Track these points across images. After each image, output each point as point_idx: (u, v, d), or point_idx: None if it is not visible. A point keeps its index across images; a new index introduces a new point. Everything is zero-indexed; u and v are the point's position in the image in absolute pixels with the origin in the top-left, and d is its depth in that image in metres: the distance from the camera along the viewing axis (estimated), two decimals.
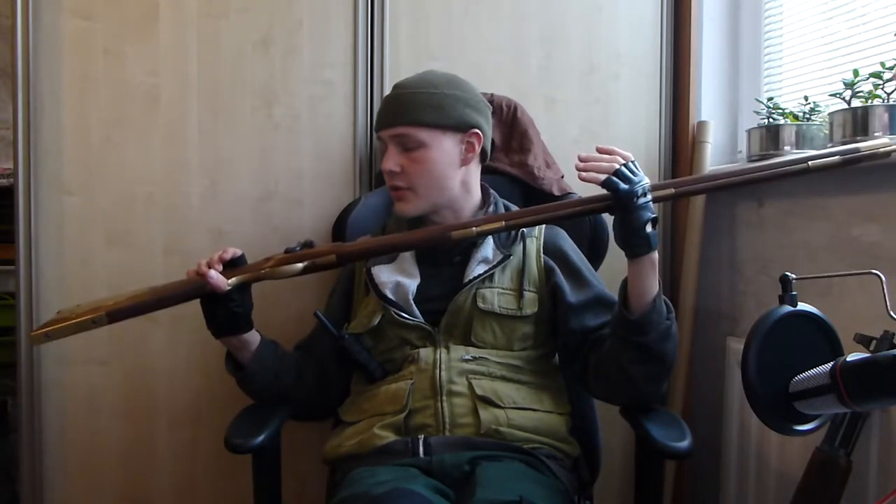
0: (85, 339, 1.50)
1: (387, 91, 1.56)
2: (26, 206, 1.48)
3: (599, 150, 1.10)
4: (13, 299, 1.51)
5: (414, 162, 1.21)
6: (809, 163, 1.11)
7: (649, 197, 1.07)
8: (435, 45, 1.61)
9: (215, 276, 1.11)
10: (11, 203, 1.48)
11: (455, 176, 1.24)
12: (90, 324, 1.08)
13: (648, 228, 1.06)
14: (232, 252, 1.15)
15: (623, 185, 1.05)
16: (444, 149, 1.22)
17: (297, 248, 1.15)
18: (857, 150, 1.11)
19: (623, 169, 1.07)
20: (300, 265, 1.13)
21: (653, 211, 1.07)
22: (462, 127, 1.23)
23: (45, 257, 1.50)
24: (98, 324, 1.09)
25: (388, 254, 1.24)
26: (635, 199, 1.05)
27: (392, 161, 1.22)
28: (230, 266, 1.15)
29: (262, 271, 1.14)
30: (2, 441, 2.14)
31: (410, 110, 1.21)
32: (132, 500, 1.55)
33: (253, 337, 1.21)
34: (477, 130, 1.24)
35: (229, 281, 1.12)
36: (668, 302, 1.14)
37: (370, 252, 1.19)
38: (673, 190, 1.13)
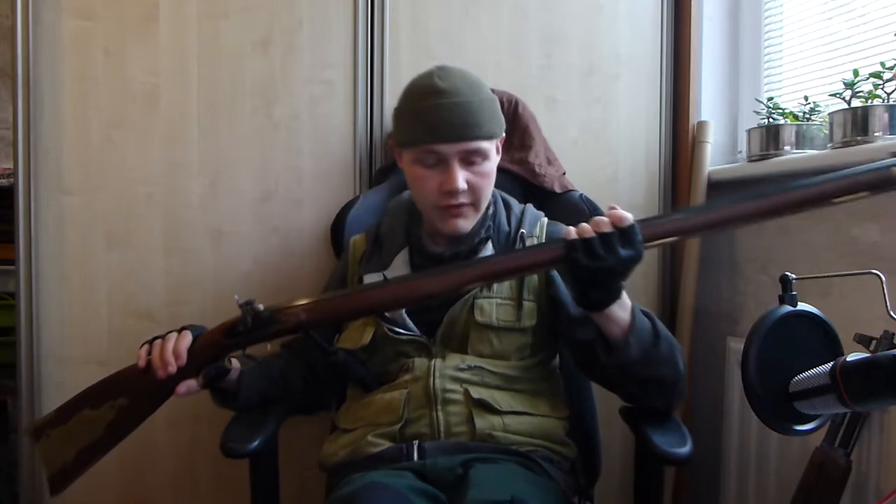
0: (84, 339, 1.52)
1: (387, 91, 1.58)
2: (26, 206, 1.48)
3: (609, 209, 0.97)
4: (13, 299, 1.51)
5: (479, 176, 1.14)
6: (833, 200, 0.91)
7: (621, 282, 0.97)
8: (435, 46, 1.61)
9: (185, 390, 1.05)
10: (11, 203, 1.48)
11: None
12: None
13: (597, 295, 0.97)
14: (187, 342, 1.05)
15: (584, 260, 0.93)
16: (496, 158, 1.17)
17: (248, 319, 1.03)
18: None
19: (595, 243, 0.93)
20: (269, 347, 1.08)
21: (617, 291, 0.97)
22: (501, 132, 1.20)
23: (45, 257, 1.50)
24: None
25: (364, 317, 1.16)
26: (590, 276, 0.94)
27: (460, 178, 1.12)
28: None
29: (229, 359, 1.10)
30: (2, 441, 2.14)
31: (478, 121, 1.12)
32: (132, 500, 1.55)
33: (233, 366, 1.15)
34: (503, 134, 1.20)
35: (199, 380, 1.07)
36: (653, 320, 1.04)
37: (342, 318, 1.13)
38: (676, 237, 1.00)
